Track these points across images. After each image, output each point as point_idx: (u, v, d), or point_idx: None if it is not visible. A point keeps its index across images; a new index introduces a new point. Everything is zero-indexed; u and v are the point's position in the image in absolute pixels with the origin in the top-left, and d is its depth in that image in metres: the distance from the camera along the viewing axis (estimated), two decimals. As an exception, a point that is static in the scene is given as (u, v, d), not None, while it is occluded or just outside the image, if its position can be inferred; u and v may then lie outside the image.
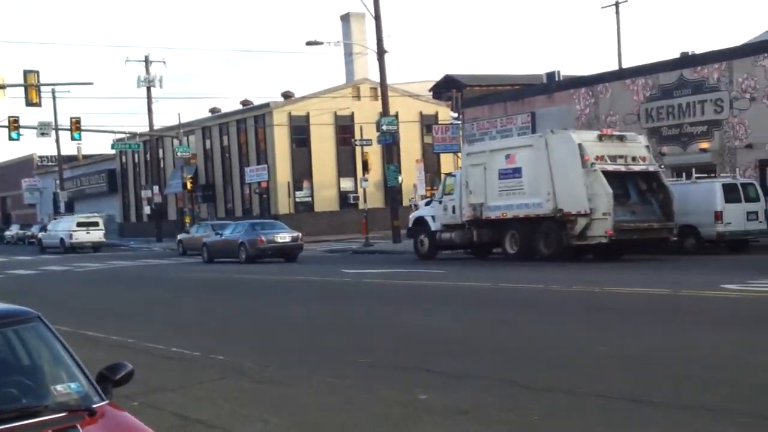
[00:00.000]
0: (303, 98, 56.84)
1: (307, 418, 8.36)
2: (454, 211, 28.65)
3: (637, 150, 25.91)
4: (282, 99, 58.13)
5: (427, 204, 31.28)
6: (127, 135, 58.40)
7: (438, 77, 65.78)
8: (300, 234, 35.13)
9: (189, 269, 32.57)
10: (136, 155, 69.56)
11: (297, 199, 54.05)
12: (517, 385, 9.16)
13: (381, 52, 39.72)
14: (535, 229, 25.92)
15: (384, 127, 39.44)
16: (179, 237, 45.15)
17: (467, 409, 8.34)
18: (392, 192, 40.70)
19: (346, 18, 60.22)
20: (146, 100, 58.48)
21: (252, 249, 33.33)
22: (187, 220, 54.18)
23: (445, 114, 57.43)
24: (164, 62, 58.61)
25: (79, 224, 52.75)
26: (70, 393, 4.85)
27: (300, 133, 55.68)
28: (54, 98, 64.45)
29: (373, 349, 12.09)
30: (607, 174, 24.36)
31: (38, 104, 37.85)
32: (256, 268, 31.22)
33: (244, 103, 60.69)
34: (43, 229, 59.70)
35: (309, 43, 40.63)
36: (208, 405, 9.23)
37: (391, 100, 43.99)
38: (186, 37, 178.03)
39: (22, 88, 37.65)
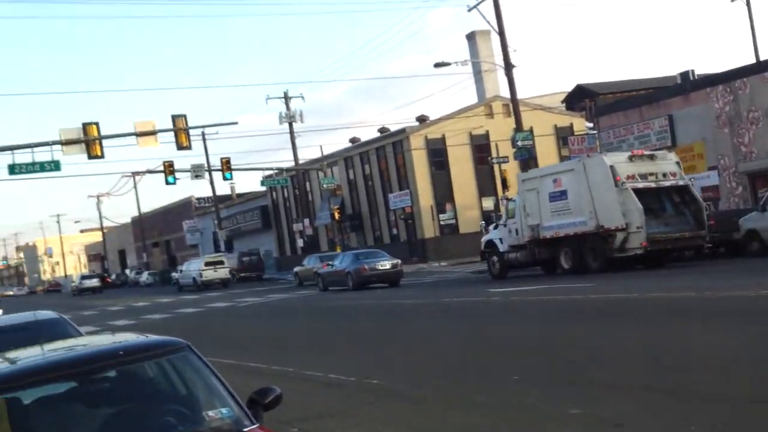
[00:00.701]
0: (437, 121, 57.00)
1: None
2: (517, 233, 30.77)
3: (667, 167, 27.67)
4: (417, 123, 58.48)
5: (495, 228, 33.19)
6: (275, 171, 59.98)
7: (569, 88, 64.86)
8: (399, 261, 36.93)
9: (335, 298, 32.82)
10: (285, 190, 71.33)
11: (441, 222, 54.00)
12: (673, 396, 8.86)
13: (509, 68, 39.41)
14: (583, 245, 28.05)
15: (519, 143, 39.06)
16: (295, 269, 47.82)
17: (621, 422, 8.11)
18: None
19: (471, 37, 60.16)
20: (289, 135, 60.04)
21: (357, 277, 35.35)
22: (338, 249, 55.11)
23: (580, 124, 56.40)
24: (302, 97, 59.78)
25: (207, 263, 57.18)
26: (222, 418, 5.04)
27: (438, 156, 55.78)
28: (204, 141, 67.05)
29: (522, 365, 11.94)
30: (639, 191, 26.35)
31: (188, 147, 38.98)
32: (395, 293, 31.31)
33: (382, 130, 61.37)
34: (179, 270, 63.22)
35: (437, 65, 40.81)
36: (364, 429, 9.32)
37: (524, 115, 43.52)
38: (320, 71, 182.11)
39: (172, 134, 38.87)
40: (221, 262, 57.54)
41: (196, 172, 56.44)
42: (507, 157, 44.24)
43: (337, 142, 65.74)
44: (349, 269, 35.93)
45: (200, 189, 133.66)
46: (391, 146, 58.15)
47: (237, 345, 19.79)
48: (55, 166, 37.32)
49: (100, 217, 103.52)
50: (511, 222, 31.34)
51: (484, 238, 33.67)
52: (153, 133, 38.83)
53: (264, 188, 70.73)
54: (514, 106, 40.50)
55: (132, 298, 55.66)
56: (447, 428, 8.92)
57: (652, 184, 26.97)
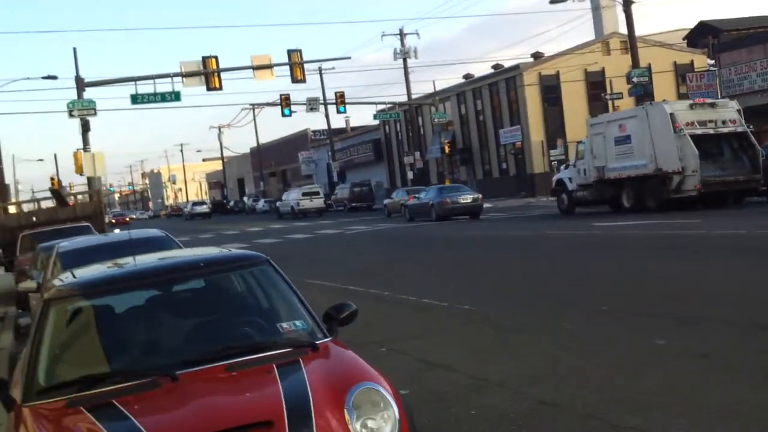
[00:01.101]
0: (552, 57, 55.78)
1: (544, 363, 8.29)
2: (585, 174, 32.16)
3: (727, 114, 28.35)
4: (532, 60, 57.35)
5: (566, 168, 34.86)
6: (388, 105, 60.01)
7: (692, 24, 62.17)
8: (480, 195, 38.30)
9: (426, 228, 32.75)
10: (397, 124, 71.40)
11: (551, 158, 53.18)
12: (760, 329, 8.60)
13: (627, 3, 38.08)
14: (643, 186, 29.32)
15: (635, 79, 37.94)
16: (384, 202, 49.74)
17: (707, 352, 7.93)
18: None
19: (593, -27, 58.32)
20: (403, 71, 59.83)
21: (440, 209, 36.86)
22: (447, 182, 54.98)
23: (701, 62, 54.17)
24: (417, 34, 59.58)
25: (304, 194, 60.66)
26: (296, 330, 5.12)
27: (551, 92, 54.72)
28: (321, 75, 67.56)
29: (613, 297, 11.76)
30: (697, 137, 27.38)
31: (303, 80, 39.38)
32: (491, 225, 31.22)
33: (495, 67, 60.51)
34: (279, 199, 68.01)
35: (554, 1, 39.77)
36: (449, 351, 9.39)
37: (643, 52, 42.08)
38: (436, 7, 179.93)
39: (288, 68, 39.29)
40: (317, 193, 60.70)
41: (311, 105, 56.97)
42: (621, 93, 43.05)
43: (451, 78, 65.17)
44: (432, 201, 37.65)
45: (316, 122, 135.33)
46: (504, 82, 57.34)
47: (341, 270, 20.13)
48: (175, 96, 38.25)
49: (221, 147, 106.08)
50: (580, 163, 32.68)
51: (555, 177, 35.49)
52: (269, 66, 39.34)
53: (377, 122, 70.93)
54: (631, 41, 39.24)
55: (247, 223, 57.15)
56: (533, 350, 8.90)
57: (711, 131, 27.97)
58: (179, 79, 37.74)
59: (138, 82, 37.99)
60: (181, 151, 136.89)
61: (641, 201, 29.29)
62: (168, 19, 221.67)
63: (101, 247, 11.04)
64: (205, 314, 5.32)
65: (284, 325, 5.17)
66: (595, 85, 53.70)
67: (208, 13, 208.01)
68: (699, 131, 27.65)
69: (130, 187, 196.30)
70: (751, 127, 28.83)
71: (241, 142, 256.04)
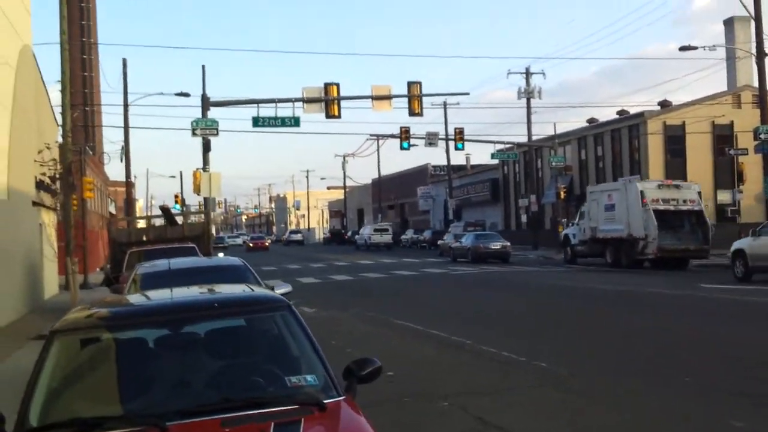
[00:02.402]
0: (679, 107, 53.97)
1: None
2: (583, 232, 38.64)
3: (688, 195, 34.84)
4: (659, 108, 55.69)
5: (571, 226, 41.95)
6: (507, 145, 59.37)
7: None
8: (509, 243, 44.94)
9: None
10: (516, 165, 70.52)
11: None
12: None
13: (761, 55, 36.43)
14: (620, 246, 35.73)
15: (762, 136, 36.13)
16: (438, 242, 56.60)
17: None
18: (772, 204, 37.10)
19: (729, 22, 56.40)
20: (525, 110, 59.14)
21: (475, 253, 43.49)
22: (561, 229, 53.80)
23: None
24: (543, 74, 58.82)
25: (375, 230, 72.50)
26: (306, 385, 4.75)
27: (675, 143, 52.89)
28: (445, 110, 67.55)
29: (700, 368, 10.93)
30: (661, 212, 33.70)
31: (420, 114, 38.94)
32: (597, 276, 30.28)
33: (621, 112, 59.01)
34: (356, 233, 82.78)
35: (683, 48, 38.44)
36: (512, 412, 8.89)
37: (775, 107, 40.02)
38: (563, 49, 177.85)
39: (406, 100, 39.04)
40: (386, 230, 72.50)
41: (430, 139, 56.75)
42: (747, 149, 41.12)
43: (574, 122, 64.07)
44: (469, 246, 44.45)
45: (437, 157, 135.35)
46: (627, 129, 55.84)
47: (428, 313, 19.73)
48: (295, 122, 38.45)
49: (344, 175, 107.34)
50: (582, 222, 39.13)
51: (563, 232, 43.26)
52: (388, 97, 39.13)
53: (496, 161, 70.28)
54: (761, 94, 37.45)
55: (357, 255, 57.42)
56: (591, 423, 8.30)
57: (671, 208, 34.17)
58: (300, 104, 37.99)
59: (260, 105, 38.39)
60: (307, 177, 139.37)
61: (617, 258, 35.69)
62: (291, 42, 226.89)
63: (179, 273, 11.11)
64: (212, 360, 5.05)
65: (293, 379, 4.82)
66: (722, 139, 51.61)
67: (332, 40, 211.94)
68: (662, 207, 33.89)
69: (256, 210, 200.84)
70: (706, 205, 35.54)
71: (364, 173, 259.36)
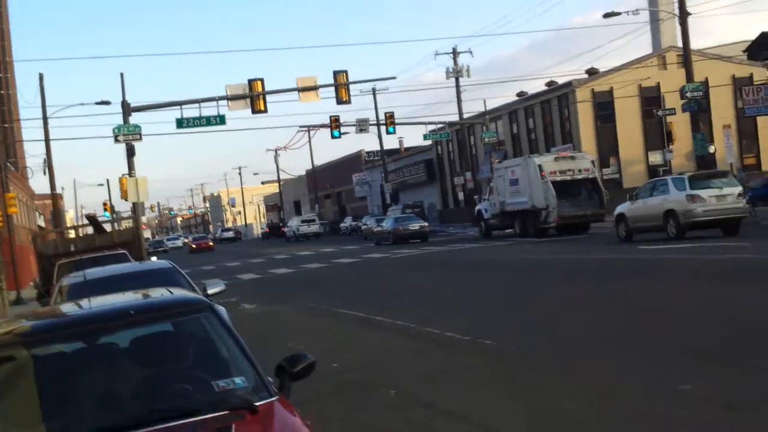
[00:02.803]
0: (606, 73, 54.54)
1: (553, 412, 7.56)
2: (494, 206, 41.44)
3: (583, 164, 37.52)
4: (586, 76, 56.23)
5: (483, 201, 44.85)
6: (439, 125, 59.44)
7: (753, 36, 60.46)
8: (427, 223, 48.93)
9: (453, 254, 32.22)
10: (449, 144, 70.73)
11: (604, 176, 51.77)
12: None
13: (684, 15, 36.93)
14: (526, 217, 38.23)
15: (688, 94, 36.70)
16: (362, 227, 60.60)
17: (733, 401, 7.12)
18: (704, 162, 37.62)
19: (649, -14, 57.18)
20: (455, 90, 59.23)
21: (395, 235, 46.01)
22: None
23: (761, 75, 52.54)
24: (471, 52, 58.80)
25: (303, 221, 76.64)
26: (234, 389, 4.50)
27: (604, 109, 53.48)
28: (375, 96, 67.25)
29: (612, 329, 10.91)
30: (559, 182, 36.25)
31: (348, 102, 38.78)
32: (529, 247, 30.43)
33: (549, 84, 59.47)
34: (284, 225, 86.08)
35: (607, 15, 38.92)
36: (463, 394, 8.70)
37: (699, 65, 40.88)
38: (490, 25, 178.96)
39: (333, 89, 38.80)
40: (313, 220, 76.99)
41: (361, 126, 56.64)
42: (674, 109, 41.78)
43: (506, 96, 64.47)
44: (390, 229, 47.22)
45: (371, 143, 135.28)
46: (556, 100, 56.31)
47: (377, 297, 19.54)
48: (220, 120, 37.99)
49: (278, 169, 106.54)
50: (492, 198, 42.07)
51: (476, 208, 45.85)
52: (314, 88, 38.88)
53: (429, 143, 70.39)
54: (685, 55, 38.03)
55: (296, 247, 57.05)
56: (537, 396, 8.16)
57: (568, 178, 36.78)
58: (224, 102, 37.56)
59: (183, 106, 37.90)
60: (240, 174, 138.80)
61: (525, 228, 38.24)
62: (213, 42, 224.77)
63: (105, 281, 10.69)
64: (132, 371, 4.74)
65: (221, 383, 4.55)
66: (650, 101, 52.30)
67: (254, 36, 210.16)
68: (559, 178, 36.49)
69: (191, 210, 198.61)
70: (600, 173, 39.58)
71: (297, 165, 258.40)
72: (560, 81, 57.88)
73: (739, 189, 26.00)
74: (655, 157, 52.09)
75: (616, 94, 52.79)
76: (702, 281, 15.75)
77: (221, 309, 6.22)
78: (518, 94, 63.94)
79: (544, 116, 57.70)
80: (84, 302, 5.67)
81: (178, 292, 5.47)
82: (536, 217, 37.05)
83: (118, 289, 7.54)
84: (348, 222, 78.83)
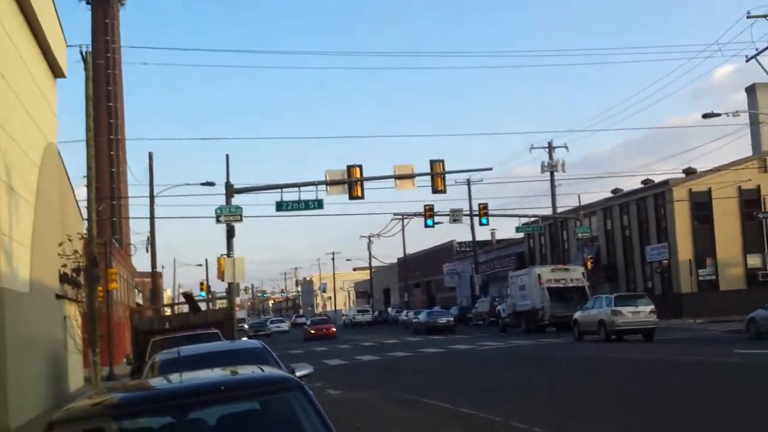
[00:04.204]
0: (704, 173, 53.63)
1: None
2: (509, 308, 50.47)
3: (575, 275, 47.18)
4: (683, 175, 55.41)
5: (502, 303, 54.20)
6: (532, 219, 59.26)
7: None
8: (452, 318, 56.46)
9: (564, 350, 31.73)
10: (542, 237, 70.25)
11: (700, 278, 50.53)
12: None
13: (783, 119, 36.33)
14: (529, 316, 47.23)
15: (789, 198, 35.78)
16: (401, 319, 68.26)
17: None
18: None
19: (751, 89, 56.30)
20: (549, 184, 59.12)
21: (426, 326, 54.22)
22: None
23: None
24: (566, 147, 58.82)
25: (359, 311, 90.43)
26: None
27: (701, 210, 52.38)
28: (469, 186, 67.64)
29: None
30: (553, 289, 45.67)
31: (443, 191, 38.75)
32: (617, 346, 29.80)
33: (645, 182, 58.80)
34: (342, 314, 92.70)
35: (706, 116, 38.49)
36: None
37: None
38: (587, 122, 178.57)
39: (429, 178, 38.94)
40: (367, 310, 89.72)
41: (455, 216, 57.04)
42: (775, 212, 40.72)
43: (598, 192, 64.05)
44: (422, 320, 56.09)
45: (462, 234, 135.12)
46: (652, 198, 55.52)
47: (463, 390, 19.37)
48: (318, 204, 38.47)
49: (370, 256, 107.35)
50: (508, 300, 51.56)
51: (498, 308, 55.07)
52: (411, 176, 39.05)
53: (521, 235, 70.08)
54: (787, 159, 37.22)
55: (382, 335, 57.05)
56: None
57: (561, 285, 46.03)
58: (323, 186, 38.01)
59: (283, 190, 38.49)
60: (333, 259, 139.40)
61: (529, 325, 46.65)
62: (313, 127, 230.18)
63: (195, 358, 10.90)
64: None
65: None
66: (750, 204, 51.12)
67: (353, 123, 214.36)
68: (554, 285, 45.77)
69: (283, 294, 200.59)
70: (588, 283, 47.52)
71: (389, 253, 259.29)
72: (656, 179, 57.22)
73: (651, 307, 34.68)
74: (755, 260, 50.61)
75: (715, 194, 51.74)
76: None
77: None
78: (613, 191, 63.31)
79: (639, 214, 56.88)
80: (174, 377, 5.78)
81: (269, 370, 5.59)
82: (535, 315, 46.19)
83: (208, 366, 7.69)
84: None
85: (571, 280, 46.26)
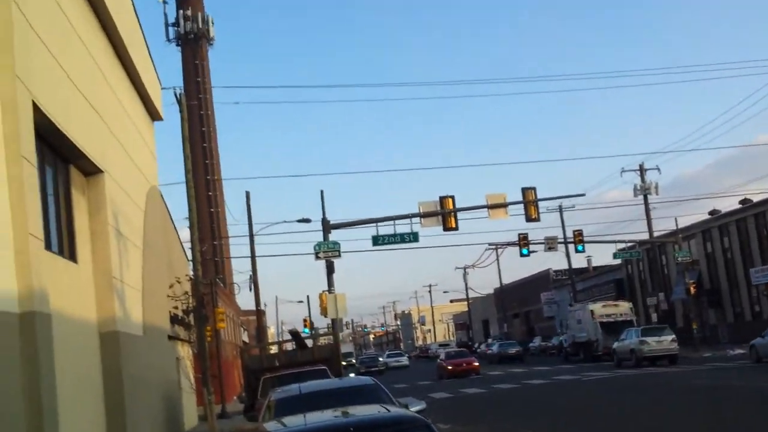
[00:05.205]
0: (807, 191, 51.39)
1: None
2: (570, 339, 54.82)
3: (623, 310, 50.66)
4: (785, 195, 53.19)
5: (562, 334, 60.84)
6: (628, 244, 57.72)
7: None
8: (521, 347, 64.56)
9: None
10: (639, 263, 68.33)
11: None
12: None
13: None
14: (585, 347, 51.49)
15: None
16: (477, 350, 71.22)
17: None
18: None
19: None
20: (643, 207, 57.55)
21: (500, 356, 61.22)
22: (694, 326, 51.31)
23: None
24: (658, 169, 57.15)
25: (389, 355, 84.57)
26: None
27: (807, 228, 50.13)
28: (561, 213, 66.35)
29: None
30: (605, 323, 49.26)
31: (537, 219, 37.98)
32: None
33: (743, 202, 56.66)
34: (484, 344, 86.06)
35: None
36: None
37: None
38: (675, 143, 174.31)
39: (522, 206, 38.30)
40: (401, 354, 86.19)
41: (549, 244, 55.91)
42: None
43: (695, 215, 61.88)
44: (496, 352, 63.52)
45: (558, 262, 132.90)
46: (752, 218, 53.42)
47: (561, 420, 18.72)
48: (413, 237, 38.13)
49: (466, 288, 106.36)
50: (567, 332, 56.48)
51: (560, 339, 61.71)
52: (504, 205, 38.47)
53: (618, 261, 68.31)
54: None
55: (486, 366, 56.11)
56: None
57: (611, 319, 49.37)
58: (417, 219, 37.63)
59: (378, 224, 38.31)
60: (430, 292, 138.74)
61: (586, 356, 50.66)
62: (403, 160, 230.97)
63: (311, 396, 10.73)
64: None
65: None
66: None
67: (442, 152, 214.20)
68: (605, 320, 49.46)
69: (383, 327, 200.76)
70: (635, 317, 51.50)
71: (484, 284, 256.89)
72: (754, 199, 55.07)
73: (672, 336, 39.99)
74: None
75: (820, 212, 49.44)
76: None
77: None
78: (710, 213, 61.19)
79: (740, 235, 54.77)
80: (299, 418, 5.63)
81: (395, 410, 5.33)
82: (591, 347, 50.21)
83: (325, 404, 7.51)
84: (537, 342, 77.55)
85: (621, 314, 49.92)
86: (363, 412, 5.43)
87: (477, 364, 48.10)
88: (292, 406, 9.84)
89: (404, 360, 79.38)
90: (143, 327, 19.69)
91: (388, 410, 5.28)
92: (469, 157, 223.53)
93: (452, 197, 37.71)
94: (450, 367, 47.20)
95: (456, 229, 37.77)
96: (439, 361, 51.44)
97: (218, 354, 36.68)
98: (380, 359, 75.87)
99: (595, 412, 20.21)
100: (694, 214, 65.80)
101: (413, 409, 11.14)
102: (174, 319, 25.65)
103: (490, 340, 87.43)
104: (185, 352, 29.73)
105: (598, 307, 50.95)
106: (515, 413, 21.72)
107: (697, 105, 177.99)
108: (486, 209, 38.11)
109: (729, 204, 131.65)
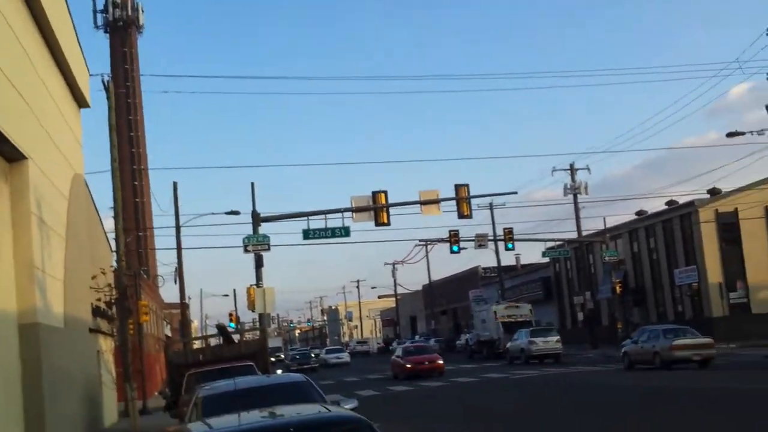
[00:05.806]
0: (730, 193, 52.82)
1: None
2: (475, 337, 59.19)
3: (524, 311, 55.07)
4: (708, 196, 54.65)
5: (469, 333, 65.85)
6: (557, 243, 58.64)
7: None
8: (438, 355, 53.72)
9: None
10: (567, 262, 69.52)
11: (731, 301, 49.27)
12: None
13: (810, 137, 35.78)
14: (488, 345, 55.14)
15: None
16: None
17: None
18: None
19: (774, 106, 55.79)
20: (573, 206, 58.53)
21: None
22: (619, 325, 52.45)
23: None
24: (588, 169, 58.17)
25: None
26: None
27: (729, 231, 51.61)
28: (492, 211, 66.96)
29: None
30: (506, 323, 53.27)
31: (469, 216, 38.28)
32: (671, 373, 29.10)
33: (669, 203, 58.07)
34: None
35: (731, 135, 37.97)
36: None
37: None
38: (606, 143, 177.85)
39: (455, 203, 38.48)
40: (341, 349, 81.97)
41: (480, 241, 56.34)
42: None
43: (623, 215, 63.15)
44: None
45: (487, 259, 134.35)
46: (678, 219, 54.83)
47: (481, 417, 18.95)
48: (345, 232, 38.04)
49: (395, 283, 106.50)
50: (473, 331, 61.18)
51: (465, 337, 66.23)
52: (436, 201, 38.67)
53: (546, 260, 69.40)
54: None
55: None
56: None
57: (512, 320, 53.26)
58: (349, 214, 37.55)
59: (310, 217, 38.05)
60: (357, 287, 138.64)
61: (489, 353, 53.86)
62: (338, 154, 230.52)
63: (241, 393, 10.58)
64: None
65: None
66: (779, 224, 50.31)
67: (376, 148, 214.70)
68: (506, 320, 53.53)
69: (309, 323, 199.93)
70: (535, 318, 55.28)
71: (413, 280, 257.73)
72: (680, 201, 56.50)
73: (557, 337, 45.57)
74: (787, 282, 49.71)
75: (742, 215, 50.99)
76: None
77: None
78: (637, 213, 62.60)
79: (665, 236, 56.16)
80: (232, 419, 5.51)
81: (335, 409, 5.29)
82: (493, 345, 53.80)
83: (255, 403, 7.40)
84: (463, 339, 77.73)
85: (521, 315, 54.03)
86: (302, 412, 5.35)
87: (441, 362, 41.37)
88: (221, 404, 9.60)
89: (345, 356, 74.84)
90: (64, 319, 19.25)
91: (329, 410, 5.22)
92: (403, 152, 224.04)
93: (385, 192, 37.80)
94: (409, 366, 40.69)
95: (388, 224, 37.89)
96: (394, 357, 44.15)
97: (140, 348, 36.10)
98: (313, 355, 73.13)
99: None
100: (622, 215, 67.08)
101: (346, 407, 11.16)
102: (96, 312, 25.14)
103: (417, 337, 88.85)
104: (107, 345, 29.18)
105: (500, 308, 55.22)
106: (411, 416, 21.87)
107: (628, 108, 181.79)
108: (419, 205, 38.29)
109: (656, 205, 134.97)
